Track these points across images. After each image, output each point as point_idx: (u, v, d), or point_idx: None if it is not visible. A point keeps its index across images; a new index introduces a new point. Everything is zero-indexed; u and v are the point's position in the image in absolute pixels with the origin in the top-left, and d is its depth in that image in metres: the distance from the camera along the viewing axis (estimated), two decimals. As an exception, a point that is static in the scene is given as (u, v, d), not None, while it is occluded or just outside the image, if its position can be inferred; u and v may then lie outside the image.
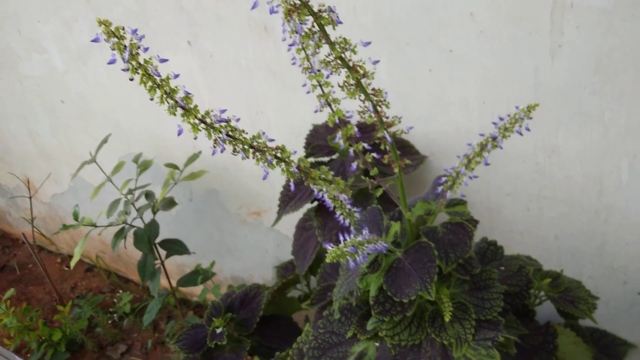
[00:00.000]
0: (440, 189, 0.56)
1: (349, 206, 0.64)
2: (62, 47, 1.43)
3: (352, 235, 0.61)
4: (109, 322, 1.83)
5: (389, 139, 0.49)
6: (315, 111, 0.53)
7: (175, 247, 1.34)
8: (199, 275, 1.29)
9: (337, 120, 0.57)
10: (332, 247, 0.46)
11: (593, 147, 0.81)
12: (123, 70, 0.38)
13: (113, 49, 0.38)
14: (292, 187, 0.48)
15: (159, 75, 0.39)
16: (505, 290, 0.67)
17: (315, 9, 0.41)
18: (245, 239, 1.49)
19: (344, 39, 0.41)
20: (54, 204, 2.05)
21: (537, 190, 0.90)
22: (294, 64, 0.50)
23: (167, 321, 1.81)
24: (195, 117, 0.41)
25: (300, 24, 0.38)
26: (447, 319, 0.53)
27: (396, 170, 0.51)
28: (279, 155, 0.46)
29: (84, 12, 1.30)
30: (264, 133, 0.46)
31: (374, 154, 0.57)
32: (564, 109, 0.80)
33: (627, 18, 0.68)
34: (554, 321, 0.87)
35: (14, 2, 1.41)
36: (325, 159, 0.94)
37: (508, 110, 0.82)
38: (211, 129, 0.42)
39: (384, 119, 0.47)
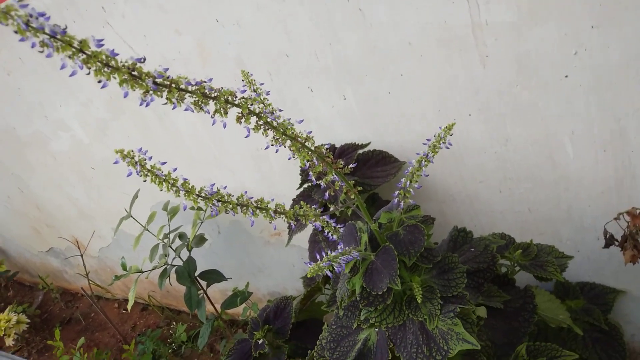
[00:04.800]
0: (396, 200, 0.71)
1: (333, 224, 0.80)
2: (84, 124, 1.64)
3: (339, 244, 0.77)
4: (170, 352, 2.04)
5: (336, 178, 0.65)
6: (289, 158, 0.70)
7: (213, 276, 1.52)
8: (237, 297, 1.46)
9: (306, 163, 0.73)
10: (311, 265, 0.62)
11: (536, 131, 0.94)
12: (137, 174, 0.56)
13: (128, 166, 0.55)
14: (293, 226, 0.65)
15: (163, 175, 0.56)
16: (475, 268, 0.82)
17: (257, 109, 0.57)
18: (272, 258, 1.67)
19: (283, 123, 0.57)
20: (102, 256, 2.28)
21: (502, 174, 1.04)
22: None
23: (220, 342, 2.00)
24: (193, 194, 0.58)
25: (247, 124, 0.54)
26: (419, 301, 0.69)
27: (352, 196, 0.67)
28: (259, 205, 0.62)
29: (97, 92, 1.50)
30: (246, 192, 0.62)
31: (340, 183, 0.73)
32: (504, 105, 0.93)
33: (531, 26, 0.82)
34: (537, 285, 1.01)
35: (37, 94, 1.62)
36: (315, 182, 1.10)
37: (459, 114, 0.97)
38: (206, 200, 0.59)
39: (331, 164, 0.63)
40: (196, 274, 1.51)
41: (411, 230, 0.70)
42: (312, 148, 0.59)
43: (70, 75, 0.38)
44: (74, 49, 0.35)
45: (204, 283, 1.55)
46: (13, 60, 1.54)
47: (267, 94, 0.66)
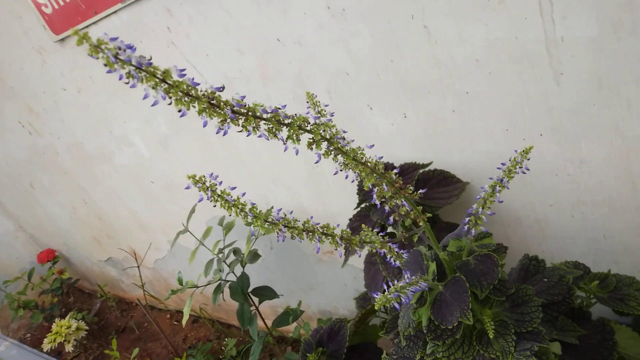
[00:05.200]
0: (466, 227, 0.67)
1: (397, 250, 0.77)
2: (146, 139, 1.69)
3: (404, 273, 0.74)
4: (221, 366, 2.05)
5: (406, 204, 0.62)
6: (353, 181, 0.68)
7: (266, 293, 1.52)
8: (289, 315, 1.45)
9: (373, 187, 0.71)
10: (378, 296, 0.59)
11: (616, 153, 0.88)
12: (208, 199, 0.55)
13: (200, 191, 0.55)
14: (359, 253, 0.63)
15: (232, 200, 0.55)
16: (549, 300, 0.76)
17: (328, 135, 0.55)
18: (324, 276, 1.64)
19: (353, 149, 0.55)
20: (157, 268, 2.34)
21: (576, 198, 0.97)
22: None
23: (270, 359, 1.99)
24: (261, 219, 0.57)
25: (318, 150, 0.52)
26: (491, 336, 0.64)
27: (421, 223, 0.63)
28: (326, 232, 0.60)
29: (159, 109, 1.54)
30: (311, 217, 0.61)
31: (406, 206, 0.70)
32: (580, 125, 0.88)
33: (614, 42, 0.76)
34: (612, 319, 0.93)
35: (103, 110, 1.70)
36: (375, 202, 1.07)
37: (529, 134, 0.92)
38: (273, 225, 0.58)
39: (399, 190, 0.60)
40: (249, 290, 1.51)
41: (483, 260, 0.66)
42: (381, 173, 0.57)
43: (152, 105, 0.37)
44: (157, 79, 0.35)
45: (255, 299, 1.55)
46: (84, 79, 1.62)
47: (332, 115, 0.64)
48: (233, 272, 1.52)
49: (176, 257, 2.15)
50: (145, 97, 0.36)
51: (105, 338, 2.62)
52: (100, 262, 2.70)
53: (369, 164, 0.55)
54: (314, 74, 1.10)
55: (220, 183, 0.56)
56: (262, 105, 0.44)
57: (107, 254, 2.58)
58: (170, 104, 0.38)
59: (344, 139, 0.53)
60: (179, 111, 0.39)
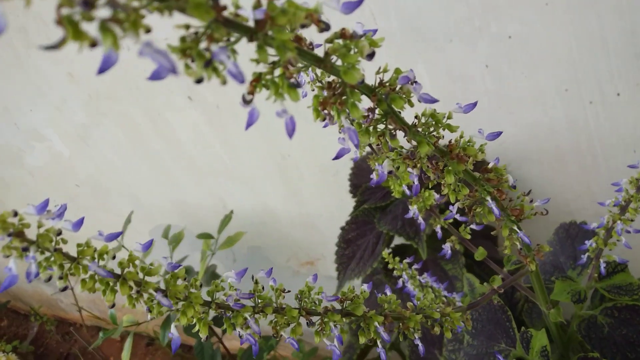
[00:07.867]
0: (585, 256, 0.37)
1: (445, 292, 0.46)
2: (61, 132, 1.31)
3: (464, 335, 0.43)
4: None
5: (525, 239, 0.31)
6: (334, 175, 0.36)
7: (230, 320, 1.19)
8: (263, 352, 1.13)
9: (407, 190, 0.40)
10: None
11: None
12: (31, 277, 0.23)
13: (7, 256, 0.22)
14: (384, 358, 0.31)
15: (106, 273, 0.23)
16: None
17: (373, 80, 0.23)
18: (303, 291, 1.33)
19: (432, 113, 0.23)
20: (98, 286, 1.96)
21: (661, 182, 0.69)
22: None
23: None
24: (196, 309, 0.25)
25: (348, 119, 0.21)
26: None
27: (532, 267, 0.33)
28: (349, 310, 0.28)
29: (71, 90, 1.17)
30: (315, 278, 0.29)
31: (473, 226, 0.39)
32: (685, 74, 0.59)
33: None
34: None
35: (1, 97, 1.30)
36: (381, 203, 0.76)
37: (600, 94, 0.63)
38: (229, 315, 0.26)
39: (511, 216, 0.29)
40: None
41: (625, 317, 0.36)
42: (477, 177, 0.26)
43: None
44: None
45: (218, 329, 1.22)
46: (-36, 57, 1.22)
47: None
48: (186, 297, 1.18)
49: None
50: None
51: (44, 369, 2.23)
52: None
53: (459, 154, 0.23)
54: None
55: (78, 227, 0.23)
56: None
57: (37, 271, 2.17)
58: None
59: (416, 82, 0.21)
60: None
